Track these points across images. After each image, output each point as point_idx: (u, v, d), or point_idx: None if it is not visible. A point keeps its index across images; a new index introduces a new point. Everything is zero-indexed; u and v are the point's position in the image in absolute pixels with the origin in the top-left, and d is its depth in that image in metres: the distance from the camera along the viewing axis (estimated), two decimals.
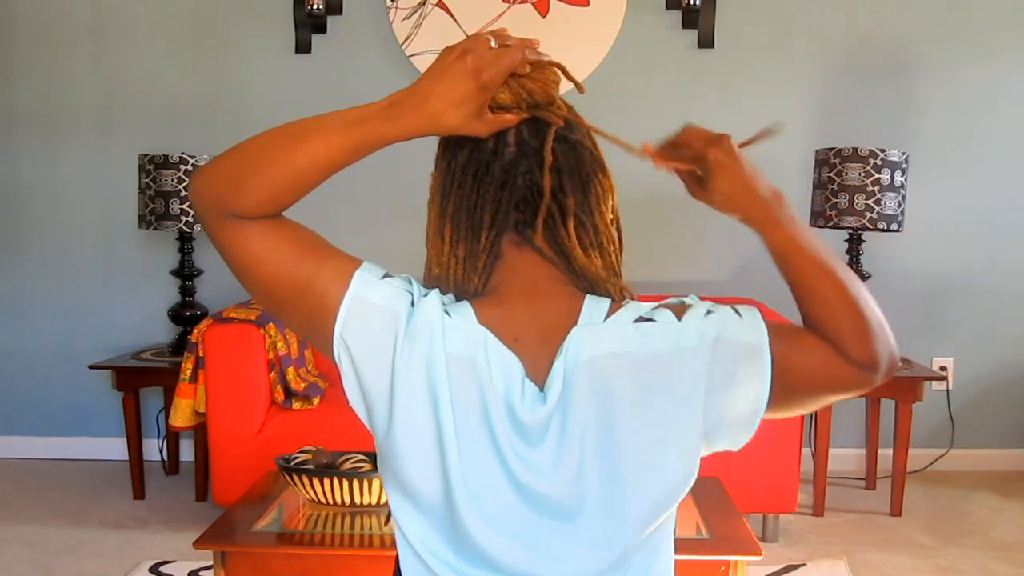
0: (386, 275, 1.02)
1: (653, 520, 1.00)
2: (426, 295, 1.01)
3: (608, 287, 1.05)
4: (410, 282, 1.03)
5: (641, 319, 1.00)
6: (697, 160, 1.05)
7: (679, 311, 1.01)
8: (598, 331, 0.99)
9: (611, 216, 1.08)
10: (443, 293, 1.04)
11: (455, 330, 0.98)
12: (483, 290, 1.05)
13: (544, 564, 1.00)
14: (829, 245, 1.05)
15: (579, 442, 0.98)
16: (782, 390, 1.00)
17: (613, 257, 1.07)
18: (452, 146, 1.06)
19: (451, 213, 1.05)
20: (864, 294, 1.02)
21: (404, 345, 0.98)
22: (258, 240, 1.00)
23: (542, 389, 0.99)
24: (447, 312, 1.00)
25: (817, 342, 1.01)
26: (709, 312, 1.00)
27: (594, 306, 1.01)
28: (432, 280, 1.07)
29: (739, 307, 1.02)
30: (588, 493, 0.98)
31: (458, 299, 1.04)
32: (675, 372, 0.97)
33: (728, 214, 1.06)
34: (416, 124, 0.98)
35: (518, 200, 1.04)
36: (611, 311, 1.01)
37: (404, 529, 1.03)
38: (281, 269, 1.00)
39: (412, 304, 1.00)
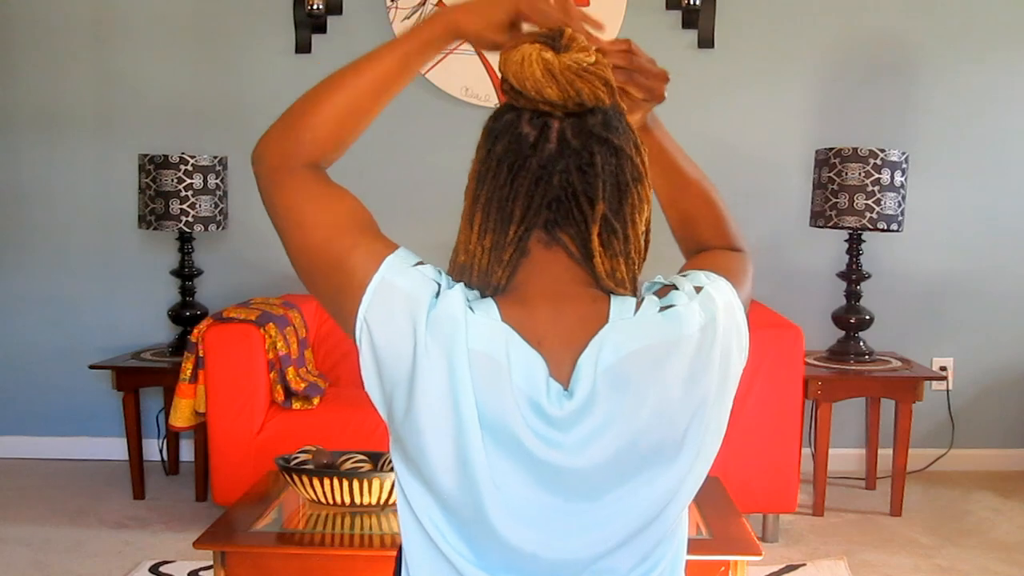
0: (419, 263, 1.03)
1: (688, 491, 1.06)
2: (452, 288, 1.01)
3: (627, 294, 1.05)
4: (440, 273, 1.04)
5: (663, 307, 1.02)
6: (648, 89, 1.13)
7: (666, 293, 1.05)
8: (631, 326, 1.00)
9: (643, 228, 1.08)
10: (466, 285, 1.04)
11: (478, 326, 0.98)
12: (506, 286, 1.04)
13: (562, 545, 1.01)
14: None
15: (628, 433, 0.99)
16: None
17: (636, 267, 1.07)
18: (492, 134, 1.06)
19: (483, 202, 1.05)
20: (712, 186, 1.23)
21: (425, 334, 0.98)
22: (312, 202, 1.06)
23: (567, 388, 1.00)
24: (471, 308, 1.00)
25: (717, 255, 1.19)
26: (696, 288, 1.05)
27: (622, 304, 1.02)
28: (456, 267, 1.07)
29: (697, 276, 1.08)
30: (626, 476, 1.00)
31: (482, 295, 1.04)
32: (705, 348, 1.01)
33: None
34: (452, 19, 1.09)
35: (551, 199, 1.03)
36: (637, 307, 1.02)
37: (413, 503, 1.03)
38: (323, 236, 1.04)
39: (437, 295, 1.00)
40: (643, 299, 1.03)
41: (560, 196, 1.03)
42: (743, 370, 1.07)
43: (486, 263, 1.04)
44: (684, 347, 0.99)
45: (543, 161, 1.02)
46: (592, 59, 1.02)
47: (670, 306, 1.02)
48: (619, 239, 1.04)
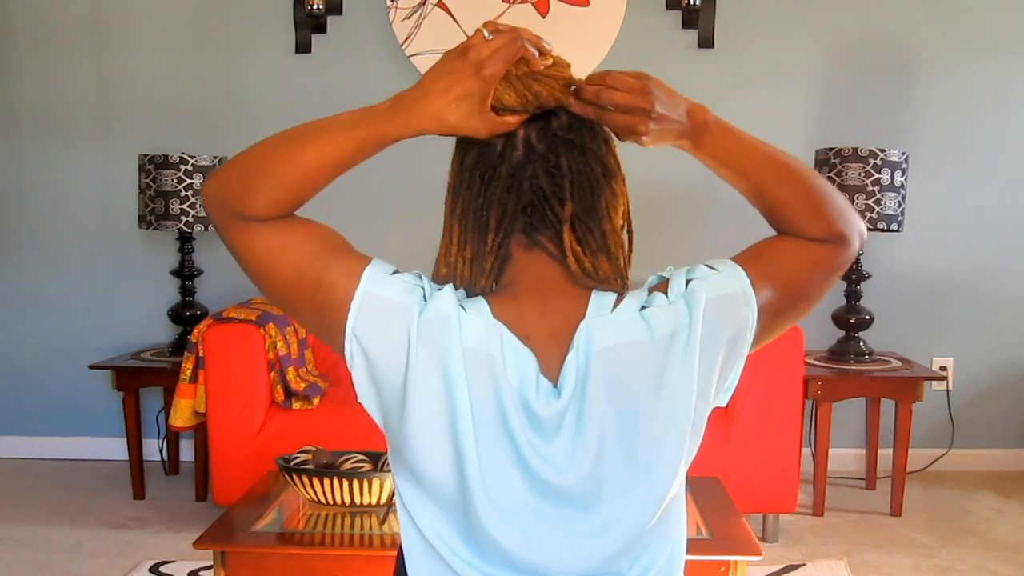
0: (396, 271, 1.03)
1: (667, 496, 1.03)
2: (440, 289, 1.02)
3: (613, 289, 1.05)
4: (420, 277, 1.04)
5: (643, 307, 1.02)
6: (628, 118, 1.02)
7: (664, 289, 1.04)
8: (607, 322, 1.00)
9: (622, 221, 1.08)
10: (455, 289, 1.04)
11: (471, 325, 0.99)
12: (495, 287, 1.05)
13: (558, 554, 1.01)
14: (761, 140, 1.10)
15: (597, 433, 0.99)
16: (771, 301, 1.05)
17: (621, 261, 1.07)
18: (463, 145, 1.07)
19: (459, 213, 1.06)
20: (807, 172, 1.09)
21: (417, 338, 0.98)
22: (269, 240, 1.02)
23: (555, 384, 1.01)
24: (462, 307, 1.00)
25: (785, 241, 1.09)
26: (689, 281, 1.03)
27: (601, 300, 1.03)
28: (440, 279, 1.07)
29: (712, 263, 1.06)
30: (607, 482, 1.00)
31: (469, 295, 1.05)
32: (678, 353, 1.00)
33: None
34: (416, 122, 0.99)
35: (524, 204, 1.04)
36: (616, 303, 1.02)
37: (414, 515, 1.04)
38: (292, 267, 1.02)
39: (424, 298, 1.01)
40: (626, 295, 1.03)
41: (532, 200, 1.04)
42: (745, 368, 1.06)
43: (468, 274, 1.05)
44: (651, 349, 0.99)
45: (512, 168, 1.04)
46: (549, 61, 1.03)
47: (649, 307, 1.01)
48: (595, 236, 1.05)
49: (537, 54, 1.01)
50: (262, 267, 1.03)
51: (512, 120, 1.02)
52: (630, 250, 1.10)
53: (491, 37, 0.99)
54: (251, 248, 1.03)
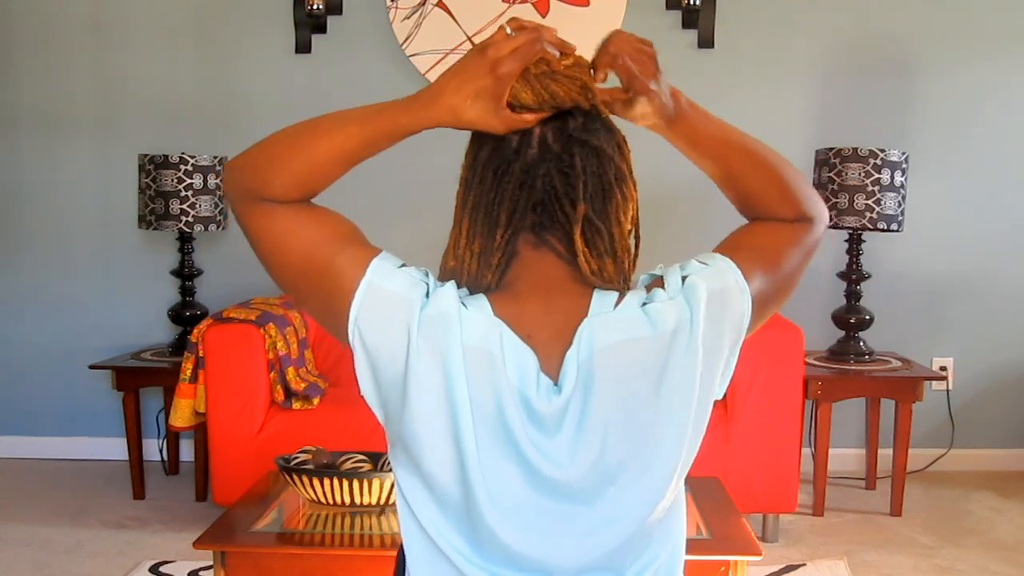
0: (403, 265, 1.04)
1: (668, 490, 1.03)
2: (442, 286, 1.02)
3: (616, 289, 1.06)
4: (426, 274, 1.04)
5: (644, 303, 1.02)
6: (630, 88, 1.07)
7: (660, 286, 1.05)
8: (610, 319, 1.01)
9: (629, 226, 1.09)
10: (457, 287, 1.05)
11: (471, 322, 0.99)
12: (498, 285, 1.06)
13: (558, 549, 1.02)
14: (732, 126, 1.14)
15: (600, 429, 0.99)
16: (762, 288, 1.07)
17: (626, 264, 1.08)
18: (478, 140, 1.08)
19: (470, 207, 1.06)
20: (774, 156, 1.13)
21: (418, 334, 0.99)
22: (283, 222, 1.04)
23: (556, 382, 1.01)
24: (463, 304, 1.01)
25: (759, 226, 1.13)
26: (685, 278, 1.04)
27: (603, 298, 1.03)
28: (446, 272, 1.08)
29: (701, 258, 1.08)
30: (609, 477, 1.01)
31: (472, 293, 1.05)
32: (680, 347, 1.00)
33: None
34: (431, 116, 1.01)
35: (535, 202, 1.05)
36: (618, 301, 1.03)
37: (415, 509, 1.04)
38: (303, 251, 1.03)
39: (427, 295, 1.01)
40: (627, 293, 1.04)
41: (544, 199, 1.05)
42: (742, 367, 1.07)
43: (475, 268, 1.05)
44: (654, 345, 1.00)
45: (526, 166, 1.04)
46: (569, 61, 1.03)
47: (650, 302, 1.02)
48: (603, 238, 1.05)
49: (558, 54, 1.02)
50: (275, 249, 1.05)
51: (529, 118, 1.03)
52: (636, 255, 1.10)
53: (513, 35, 1.00)
54: (268, 229, 1.04)
